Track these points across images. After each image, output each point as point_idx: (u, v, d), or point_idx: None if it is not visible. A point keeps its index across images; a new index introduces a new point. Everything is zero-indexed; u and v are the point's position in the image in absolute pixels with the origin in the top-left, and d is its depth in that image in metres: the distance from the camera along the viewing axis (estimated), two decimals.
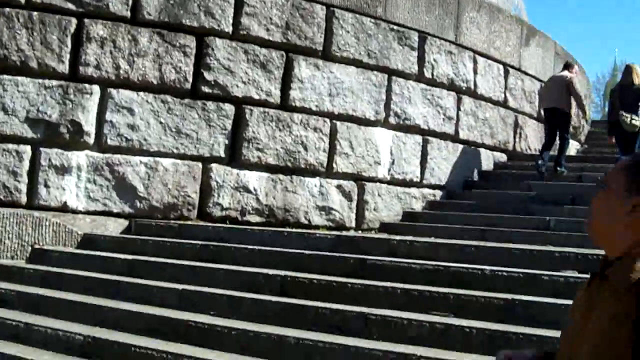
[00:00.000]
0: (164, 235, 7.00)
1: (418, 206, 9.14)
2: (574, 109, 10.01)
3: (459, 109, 9.73)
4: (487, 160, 10.35)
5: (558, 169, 9.51)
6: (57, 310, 5.53)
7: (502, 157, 10.69)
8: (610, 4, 78.55)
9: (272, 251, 6.15)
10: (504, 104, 10.60)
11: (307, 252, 6.06)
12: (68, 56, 7.25)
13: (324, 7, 8.40)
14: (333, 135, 8.41)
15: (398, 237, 6.59)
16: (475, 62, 9.98)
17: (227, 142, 7.84)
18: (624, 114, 9.03)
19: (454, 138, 9.70)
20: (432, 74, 9.32)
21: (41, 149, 7.13)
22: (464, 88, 9.77)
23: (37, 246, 6.82)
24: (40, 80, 7.13)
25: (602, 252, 1.60)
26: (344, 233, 7.75)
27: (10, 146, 7.03)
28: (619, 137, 9.37)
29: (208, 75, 7.74)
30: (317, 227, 8.13)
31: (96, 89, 7.33)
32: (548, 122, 9.99)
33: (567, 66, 10.24)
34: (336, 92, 8.41)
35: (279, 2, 8.11)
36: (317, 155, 8.27)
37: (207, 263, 6.07)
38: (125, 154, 7.43)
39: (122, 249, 6.66)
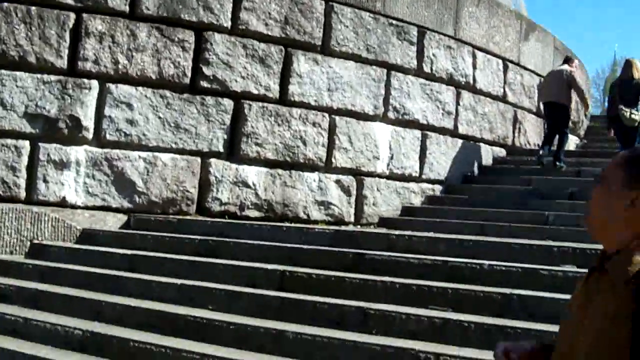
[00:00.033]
0: (162, 230, 6.99)
1: (417, 201, 9.14)
2: (573, 104, 10.00)
3: (458, 103, 9.73)
4: (486, 155, 10.34)
5: (557, 163, 9.50)
6: (56, 305, 5.53)
7: (501, 152, 10.69)
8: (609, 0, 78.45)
9: (271, 246, 6.15)
10: (503, 99, 10.59)
11: (305, 246, 6.06)
12: (67, 51, 7.24)
13: (323, 2, 8.39)
14: (332, 130, 8.40)
15: (397, 232, 6.60)
16: (474, 56, 9.97)
17: (225, 137, 7.83)
18: (624, 108, 9.02)
19: (453, 133, 9.69)
20: (431, 69, 9.31)
21: (40, 144, 7.13)
22: (463, 83, 9.76)
23: (36, 241, 6.82)
24: (39, 75, 7.12)
25: (601, 246, 1.60)
26: (343, 228, 7.75)
27: (9, 141, 7.03)
28: (618, 131, 9.37)
29: (207, 70, 7.73)
30: (316, 222, 8.13)
31: (95, 84, 7.32)
32: (548, 116, 9.99)
33: (567, 60, 10.23)
34: (335, 87, 8.40)
35: None
36: (316, 150, 8.26)
37: (206, 258, 6.07)
38: (124, 149, 7.42)
39: (121, 244, 6.66)
